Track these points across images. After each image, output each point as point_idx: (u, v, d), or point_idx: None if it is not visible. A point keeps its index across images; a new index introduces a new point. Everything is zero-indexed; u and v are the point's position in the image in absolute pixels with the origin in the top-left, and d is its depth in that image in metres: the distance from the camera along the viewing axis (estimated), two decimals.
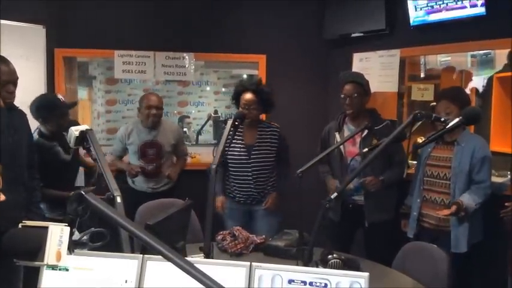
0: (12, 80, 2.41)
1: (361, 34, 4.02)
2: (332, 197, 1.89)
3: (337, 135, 3.14)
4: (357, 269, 2.11)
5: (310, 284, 1.40)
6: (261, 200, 3.29)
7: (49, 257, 1.16)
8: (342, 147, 3.04)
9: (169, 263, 1.00)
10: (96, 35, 4.21)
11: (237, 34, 4.37)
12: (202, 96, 7.07)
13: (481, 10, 3.17)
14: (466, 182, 2.74)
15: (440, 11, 3.43)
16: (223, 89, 7.13)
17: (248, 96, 3.20)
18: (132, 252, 1.71)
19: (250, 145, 3.25)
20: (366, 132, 2.93)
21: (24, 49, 3.74)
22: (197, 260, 1.81)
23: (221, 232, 2.69)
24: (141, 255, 1.49)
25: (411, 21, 3.62)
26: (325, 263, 2.13)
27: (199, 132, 6.15)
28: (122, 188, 1.84)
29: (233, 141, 3.23)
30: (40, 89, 3.80)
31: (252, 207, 3.32)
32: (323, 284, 1.39)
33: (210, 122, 6.54)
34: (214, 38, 4.34)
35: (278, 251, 2.50)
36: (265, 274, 1.43)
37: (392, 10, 3.81)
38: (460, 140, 2.78)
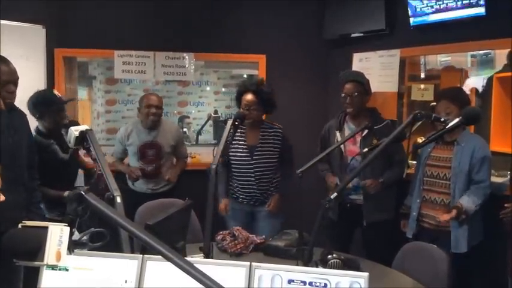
0: (12, 80, 2.41)
1: (361, 34, 4.02)
2: (332, 197, 1.89)
3: (337, 133, 3.14)
4: (357, 269, 2.10)
5: (310, 284, 1.40)
6: (263, 201, 3.28)
7: (49, 257, 1.16)
8: (342, 146, 3.04)
9: (169, 263, 1.00)
10: (96, 35, 4.21)
11: (237, 34, 4.37)
12: (202, 96, 7.07)
13: (481, 10, 3.17)
14: (466, 182, 2.74)
15: (440, 11, 3.43)
16: (223, 89, 7.12)
17: (248, 97, 3.19)
18: (132, 252, 1.71)
19: (253, 146, 3.24)
20: (366, 131, 2.93)
21: (24, 49, 3.74)
22: (197, 260, 1.81)
23: (221, 232, 2.69)
24: (141, 255, 1.49)
25: (411, 21, 3.62)
26: (325, 263, 2.13)
27: (199, 132, 6.15)
28: (121, 189, 1.84)
29: (236, 142, 3.24)
30: (40, 89, 3.79)
31: (254, 208, 3.31)
32: (323, 284, 1.39)
33: (210, 122, 6.54)
34: (214, 38, 4.34)
35: (278, 251, 2.49)
36: (265, 274, 1.43)
37: (392, 10, 3.81)
38: (460, 140, 2.78)
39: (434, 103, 3.13)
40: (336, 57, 4.35)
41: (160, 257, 1.02)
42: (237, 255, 2.52)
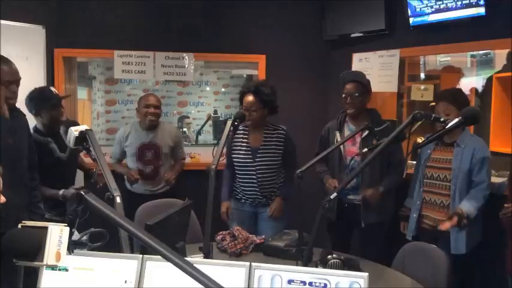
0: (15, 80, 2.41)
1: (361, 34, 4.02)
2: (331, 197, 1.88)
3: (337, 134, 3.13)
4: (357, 269, 2.11)
5: (310, 284, 1.40)
6: (266, 203, 3.25)
7: (49, 257, 1.15)
8: (341, 146, 3.03)
9: (169, 263, 1.00)
10: (96, 35, 4.21)
11: (237, 34, 4.37)
12: (201, 97, 7.08)
13: (480, 10, 3.17)
14: (466, 184, 2.74)
15: (440, 11, 3.43)
16: (223, 89, 7.13)
17: (248, 98, 3.17)
18: (132, 252, 1.71)
19: (256, 148, 3.22)
20: (366, 132, 2.92)
21: (24, 49, 3.73)
22: (197, 260, 1.81)
23: (221, 232, 2.69)
24: (141, 255, 1.49)
25: (411, 22, 3.61)
26: (324, 263, 2.13)
27: (198, 133, 6.15)
28: (119, 191, 1.84)
29: (239, 143, 3.23)
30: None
31: (257, 210, 3.29)
32: (322, 284, 1.39)
33: (210, 122, 6.55)
34: (214, 38, 4.34)
35: (278, 251, 2.49)
36: (264, 274, 1.43)
37: (392, 10, 3.81)
38: (460, 142, 2.78)
39: (434, 103, 3.13)
40: (335, 58, 4.35)
41: (160, 257, 1.02)
42: (237, 255, 2.51)
